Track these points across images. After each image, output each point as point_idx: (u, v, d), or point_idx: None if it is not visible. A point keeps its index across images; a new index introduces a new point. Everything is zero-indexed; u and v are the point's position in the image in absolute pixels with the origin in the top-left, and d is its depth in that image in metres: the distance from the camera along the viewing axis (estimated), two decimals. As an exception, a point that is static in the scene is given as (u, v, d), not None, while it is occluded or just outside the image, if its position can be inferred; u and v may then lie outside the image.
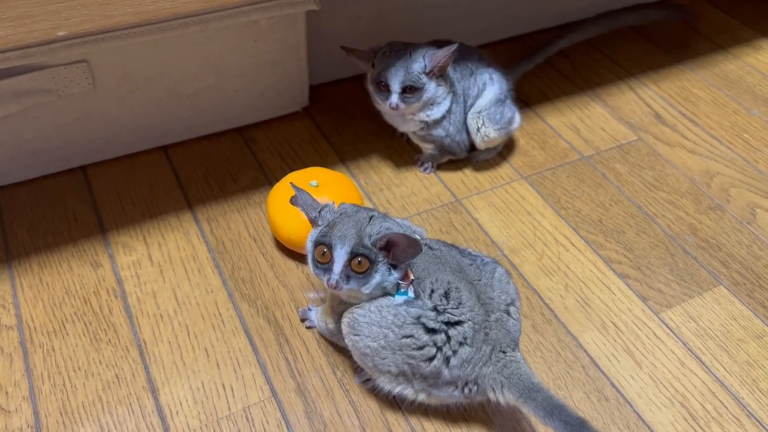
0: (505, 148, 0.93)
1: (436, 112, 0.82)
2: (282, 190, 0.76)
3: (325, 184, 0.76)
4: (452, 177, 0.89)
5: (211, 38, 0.84)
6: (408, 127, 0.84)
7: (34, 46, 0.70)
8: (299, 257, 0.78)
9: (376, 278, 0.57)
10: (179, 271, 0.76)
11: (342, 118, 0.98)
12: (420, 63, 0.77)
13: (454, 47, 0.77)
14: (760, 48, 1.14)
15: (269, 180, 0.88)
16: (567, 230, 0.82)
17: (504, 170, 0.90)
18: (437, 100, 0.81)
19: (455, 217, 0.84)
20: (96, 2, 0.55)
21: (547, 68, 1.08)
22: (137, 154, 0.90)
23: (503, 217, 0.84)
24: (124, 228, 0.80)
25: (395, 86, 0.77)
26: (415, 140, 0.87)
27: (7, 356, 0.67)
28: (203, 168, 0.89)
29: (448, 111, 0.82)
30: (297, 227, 0.74)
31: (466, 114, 0.85)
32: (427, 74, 0.78)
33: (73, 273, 0.75)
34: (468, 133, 0.86)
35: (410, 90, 0.78)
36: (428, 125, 0.83)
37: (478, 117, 0.84)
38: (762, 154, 0.93)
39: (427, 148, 0.87)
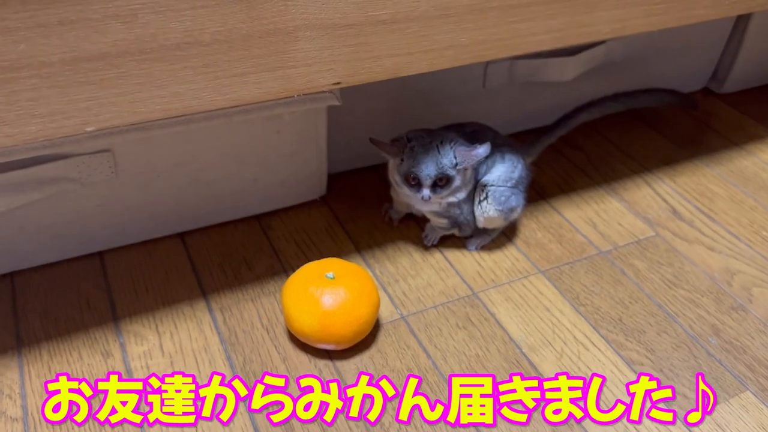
0: (522, 241, 0.93)
1: (459, 196, 0.84)
2: (297, 281, 0.76)
3: (341, 276, 0.75)
4: (468, 269, 0.88)
5: (233, 129, 0.85)
6: (429, 207, 0.86)
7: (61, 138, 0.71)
8: (312, 350, 0.76)
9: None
10: (190, 363, 0.74)
11: (359, 207, 0.98)
12: (449, 158, 0.79)
13: (482, 153, 0.79)
14: (774, 145, 1.15)
15: (284, 269, 0.87)
16: (587, 328, 0.81)
17: (521, 263, 0.89)
18: (462, 188, 0.82)
19: (472, 311, 0.82)
20: (126, 100, 0.57)
21: (562, 161, 1.09)
22: (154, 240, 0.90)
23: (521, 312, 0.82)
24: (137, 316, 0.79)
25: (426, 181, 0.79)
26: (430, 216, 0.88)
27: (9, 450, 0.65)
28: (219, 255, 0.89)
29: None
30: (311, 320, 0.72)
31: (474, 188, 0.86)
32: (455, 167, 0.79)
33: (83, 362, 0.74)
34: None
35: (440, 182, 0.80)
36: (449, 205, 0.85)
37: (483, 190, 0.85)
38: (782, 253, 0.92)
39: (442, 222, 0.88)
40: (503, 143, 0.88)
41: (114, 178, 0.82)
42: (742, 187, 1.05)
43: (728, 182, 1.06)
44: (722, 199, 1.02)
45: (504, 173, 0.85)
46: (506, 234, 0.94)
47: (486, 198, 0.85)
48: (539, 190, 1.02)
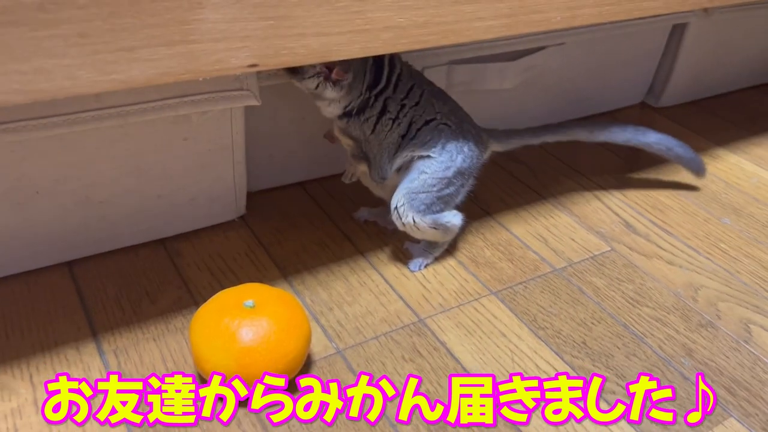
0: (469, 260, 0.83)
1: (333, 110, 0.74)
2: (208, 312, 0.62)
3: (263, 304, 0.62)
4: (412, 292, 0.77)
5: (130, 135, 0.72)
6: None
7: None
8: (230, 397, 0.62)
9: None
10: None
11: (284, 227, 0.86)
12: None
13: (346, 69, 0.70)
14: (717, 157, 1.11)
15: (195, 300, 0.73)
16: (549, 354, 0.71)
17: (470, 284, 0.79)
18: (326, 97, 0.72)
19: (419, 341, 0.71)
20: (-30, 75, 0.43)
21: (503, 174, 1.01)
22: (33, 272, 0.74)
23: (474, 339, 0.72)
24: (6, 365, 0.64)
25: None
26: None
27: None
28: (115, 287, 0.74)
29: (356, 114, 0.74)
30: (226, 359, 0.59)
31: (399, 147, 0.76)
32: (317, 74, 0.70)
33: (-75, 428, 0.57)
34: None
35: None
36: (341, 117, 0.75)
37: (400, 198, 0.76)
38: (743, 265, 0.86)
39: (348, 143, 0.77)
40: (451, 124, 0.77)
41: (-23, 193, 0.66)
42: (693, 199, 0.99)
43: (678, 194, 1.00)
44: (674, 211, 0.96)
45: (432, 176, 0.75)
46: (451, 252, 0.84)
47: (403, 205, 0.75)
48: (483, 206, 0.93)
